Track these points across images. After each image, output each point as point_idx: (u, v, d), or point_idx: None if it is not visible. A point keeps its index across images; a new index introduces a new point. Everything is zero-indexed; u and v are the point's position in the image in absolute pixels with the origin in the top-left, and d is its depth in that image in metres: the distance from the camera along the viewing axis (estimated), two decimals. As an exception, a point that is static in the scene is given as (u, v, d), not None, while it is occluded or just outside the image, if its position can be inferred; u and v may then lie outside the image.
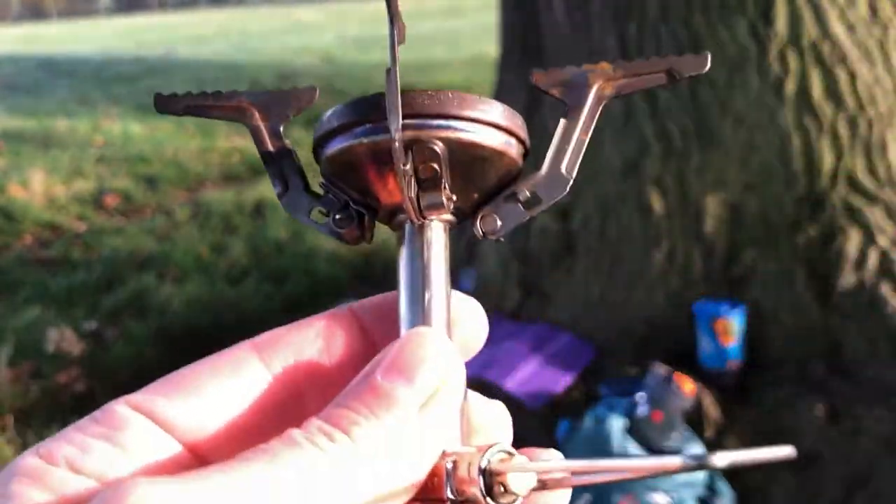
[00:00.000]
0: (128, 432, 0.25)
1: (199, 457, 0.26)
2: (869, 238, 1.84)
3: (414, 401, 0.25)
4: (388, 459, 0.24)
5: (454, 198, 0.30)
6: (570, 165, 0.31)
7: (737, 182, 1.94)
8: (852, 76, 1.89)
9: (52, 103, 7.18)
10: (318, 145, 0.31)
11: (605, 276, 2.05)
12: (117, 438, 0.25)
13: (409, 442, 0.25)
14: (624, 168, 2.02)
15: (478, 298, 0.32)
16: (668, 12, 1.98)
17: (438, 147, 0.28)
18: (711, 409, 1.73)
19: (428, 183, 0.29)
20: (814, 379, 1.75)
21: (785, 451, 0.23)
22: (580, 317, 2.05)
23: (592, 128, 0.31)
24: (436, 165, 0.28)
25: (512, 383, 1.84)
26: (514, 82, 2.47)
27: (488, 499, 0.26)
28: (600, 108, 0.31)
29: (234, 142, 5.03)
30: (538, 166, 0.31)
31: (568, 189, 0.31)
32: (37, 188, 4.28)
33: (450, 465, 0.26)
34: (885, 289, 1.77)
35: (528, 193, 0.31)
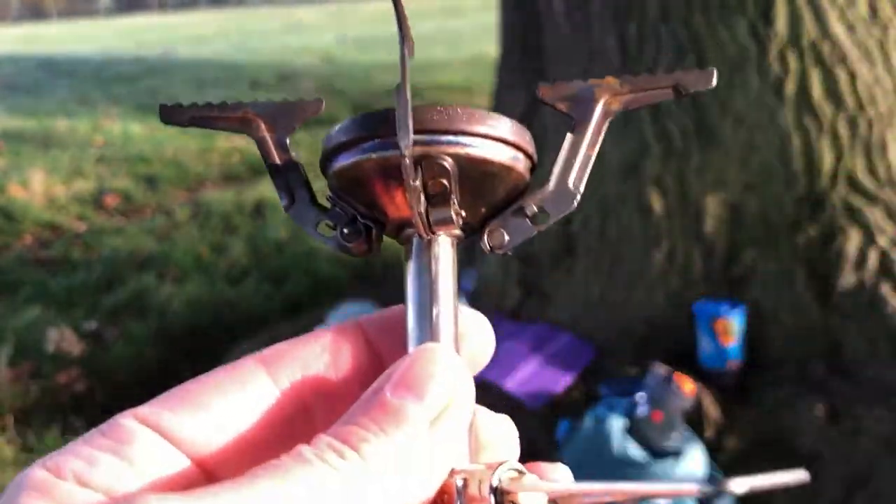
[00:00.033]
0: (135, 446, 0.25)
1: (206, 471, 0.26)
2: (869, 238, 1.84)
3: (424, 417, 0.25)
4: (398, 476, 0.24)
5: (463, 213, 0.30)
6: (577, 180, 0.31)
7: (737, 182, 1.94)
8: (852, 76, 1.89)
9: (52, 103, 7.17)
10: (326, 159, 0.31)
11: (605, 276, 2.05)
12: (125, 452, 0.25)
13: (419, 458, 0.25)
14: (624, 168, 2.02)
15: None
16: (668, 12, 1.98)
17: (448, 163, 0.28)
18: (711, 409, 1.73)
19: (437, 198, 0.29)
20: (814, 379, 1.75)
21: (798, 475, 0.23)
22: (580, 317, 2.05)
23: (599, 143, 0.31)
24: (445, 181, 0.28)
25: (512, 383, 1.84)
26: (514, 82, 2.47)
27: None
28: (606, 123, 0.31)
29: (234, 142, 5.03)
30: (545, 179, 0.31)
31: (576, 204, 0.31)
32: (37, 188, 4.28)
33: (460, 483, 0.26)
34: (885, 289, 1.77)
35: (535, 208, 0.31)
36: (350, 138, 0.29)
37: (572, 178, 0.31)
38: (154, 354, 2.48)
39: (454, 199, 0.29)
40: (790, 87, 1.90)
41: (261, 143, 0.32)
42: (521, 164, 0.30)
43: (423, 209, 0.28)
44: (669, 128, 1.97)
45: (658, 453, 1.57)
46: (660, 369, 1.75)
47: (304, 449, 0.24)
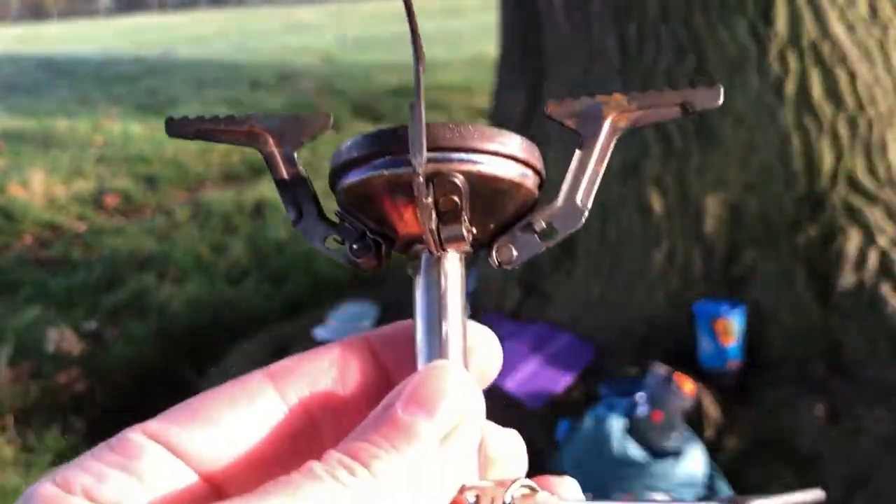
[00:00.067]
0: (143, 461, 0.25)
1: (214, 486, 0.27)
2: (869, 238, 1.84)
3: (434, 434, 0.26)
4: (409, 493, 0.25)
5: (474, 230, 0.30)
6: (585, 196, 0.31)
7: (737, 182, 1.94)
8: (852, 76, 1.89)
9: (52, 103, 7.17)
10: (336, 175, 0.31)
11: (605, 276, 2.05)
12: (133, 467, 0.25)
13: (430, 476, 0.25)
14: (624, 168, 2.02)
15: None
16: (668, 12, 1.98)
17: (459, 180, 0.28)
18: (711, 409, 1.73)
19: (448, 215, 0.29)
20: (814, 379, 1.75)
21: (815, 495, 0.23)
22: (580, 317, 2.05)
23: (607, 159, 0.31)
24: (456, 198, 0.28)
25: (512, 383, 1.84)
26: (514, 82, 2.47)
27: None
28: (614, 140, 0.32)
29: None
30: (553, 195, 0.32)
31: (583, 220, 0.31)
32: (37, 188, 4.28)
33: (472, 500, 0.26)
34: (885, 289, 1.77)
35: (543, 224, 0.31)
36: (361, 155, 0.29)
37: (580, 194, 0.31)
38: (154, 354, 2.48)
39: (465, 216, 0.29)
40: (790, 87, 1.90)
41: (269, 158, 0.32)
42: (530, 180, 0.30)
43: (434, 226, 0.28)
44: (669, 128, 1.97)
45: (658, 453, 1.57)
46: (660, 369, 1.75)
47: (314, 465, 0.24)
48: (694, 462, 1.56)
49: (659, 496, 1.49)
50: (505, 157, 0.29)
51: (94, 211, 4.12)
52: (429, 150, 0.27)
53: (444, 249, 0.30)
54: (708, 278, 1.95)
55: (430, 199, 0.28)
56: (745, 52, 1.91)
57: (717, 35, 1.94)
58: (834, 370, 1.76)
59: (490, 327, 0.30)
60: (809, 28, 1.90)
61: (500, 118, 2.55)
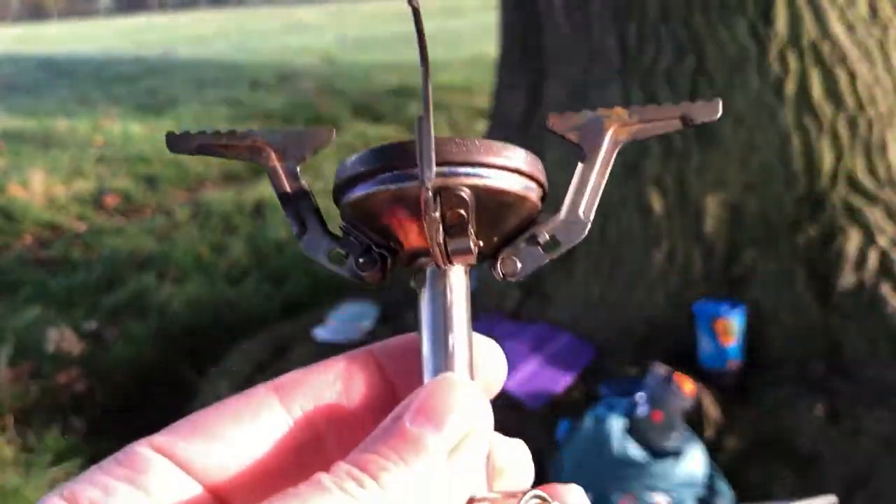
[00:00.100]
0: (150, 474, 0.26)
1: (220, 499, 0.27)
2: (869, 238, 1.84)
3: (442, 447, 0.26)
4: None
5: (481, 243, 0.30)
6: (587, 209, 0.32)
7: (737, 182, 1.94)
8: (852, 76, 1.89)
9: (52, 103, 7.17)
10: (341, 189, 0.31)
11: (605, 276, 2.05)
12: (140, 481, 0.25)
13: (438, 488, 0.25)
14: (624, 168, 2.02)
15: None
16: (668, 12, 1.98)
17: (466, 194, 0.29)
18: (711, 409, 1.73)
19: (455, 229, 0.29)
20: (814, 379, 1.75)
21: (829, 500, 0.24)
22: (580, 317, 2.05)
23: (608, 172, 0.32)
24: (463, 212, 0.29)
25: (512, 383, 1.84)
26: (514, 82, 2.47)
27: None
28: (615, 153, 0.32)
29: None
30: (556, 208, 0.32)
31: (586, 233, 0.32)
32: (37, 188, 4.28)
33: None
34: (885, 289, 1.77)
35: (547, 236, 0.31)
36: (368, 169, 0.29)
37: (583, 207, 0.32)
38: (154, 354, 2.48)
39: (471, 230, 0.29)
40: (790, 87, 1.90)
41: (271, 173, 0.32)
42: (534, 193, 0.31)
43: (441, 239, 0.29)
44: (669, 128, 1.97)
45: (658, 453, 1.57)
46: (660, 369, 1.75)
47: (322, 477, 0.24)
48: (694, 462, 1.56)
49: (659, 497, 1.49)
50: (510, 170, 0.30)
51: (94, 211, 4.12)
52: (437, 164, 0.28)
53: (450, 263, 0.30)
54: (708, 278, 1.95)
55: (437, 213, 0.28)
56: (745, 52, 1.91)
57: (717, 35, 1.94)
58: (834, 370, 1.76)
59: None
60: (809, 28, 1.90)
61: (500, 118, 2.55)
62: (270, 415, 0.28)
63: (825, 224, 1.87)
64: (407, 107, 5.94)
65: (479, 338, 0.31)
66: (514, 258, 0.31)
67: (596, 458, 1.58)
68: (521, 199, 0.30)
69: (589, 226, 0.32)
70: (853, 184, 1.89)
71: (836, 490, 1.50)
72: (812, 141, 1.89)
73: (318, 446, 0.29)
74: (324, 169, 3.72)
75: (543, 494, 0.27)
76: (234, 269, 3.16)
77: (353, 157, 0.30)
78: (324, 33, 12.83)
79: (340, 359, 0.30)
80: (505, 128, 2.47)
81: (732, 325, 1.81)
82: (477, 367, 0.30)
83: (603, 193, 0.32)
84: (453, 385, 0.27)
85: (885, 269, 1.80)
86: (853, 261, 1.82)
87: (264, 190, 3.95)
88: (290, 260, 3.11)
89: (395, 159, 0.29)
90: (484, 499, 0.27)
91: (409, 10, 0.27)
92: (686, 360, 1.84)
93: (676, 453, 1.57)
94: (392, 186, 0.29)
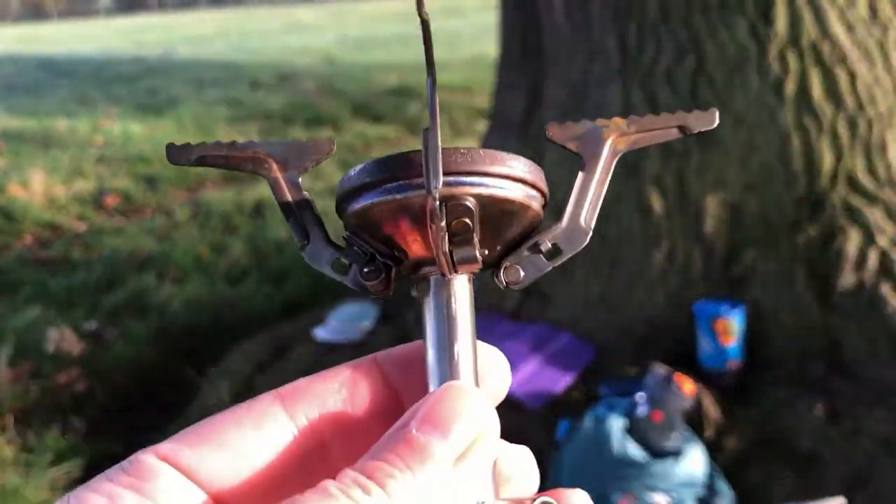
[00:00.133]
0: (156, 483, 0.26)
1: None
2: (869, 238, 1.84)
3: (449, 455, 0.26)
4: None
5: (486, 252, 0.31)
6: (588, 217, 0.32)
7: (737, 182, 1.94)
8: (852, 76, 1.89)
9: (52, 103, 7.17)
10: (345, 200, 0.31)
11: (605, 276, 2.05)
12: (146, 489, 0.26)
13: (443, 496, 0.26)
14: (623, 168, 2.02)
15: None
16: (668, 12, 1.98)
17: (471, 203, 0.29)
18: (711, 409, 1.73)
19: (459, 238, 0.29)
20: (814, 379, 1.75)
21: (838, 502, 0.24)
22: (580, 317, 2.05)
23: (608, 181, 0.32)
24: (468, 221, 0.29)
25: (512, 383, 1.84)
26: (514, 82, 2.47)
27: None
28: (615, 162, 0.33)
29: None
30: (558, 216, 0.32)
31: (587, 240, 0.32)
32: (37, 188, 4.28)
33: None
34: (885, 289, 1.77)
35: (549, 245, 0.32)
36: (373, 180, 0.30)
37: (584, 215, 0.32)
38: (154, 354, 2.48)
39: (476, 239, 0.30)
40: (790, 87, 1.90)
41: (274, 184, 0.32)
42: (536, 202, 0.31)
43: (447, 249, 0.29)
44: (669, 128, 1.97)
45: (658, 453, 1.57)
46: (660, 369, 1.75)
47: (329, 484, 0.24)
48: (694, 462, 1.56)
49: (659, 497, 1.49)
50: (514, 179, 0.30)
51: (94, 211, 4.12)
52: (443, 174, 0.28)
53: (456, 271, 0.30)
54: (708, 278, 1.95)
55: (443, 223, 0.28)
56: (745, 52, 1.91)
57: (717, 35, 1.94)
58: (834, 370, 1.76)
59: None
60: (809, 28, 1.90)
61: (500, 118, 2.55)
62: (275, 423, 0.28)
63: (825, 224, 1.87)
64: (407, 107, 5.94)
65: (483, 346, 0.31)
66: (517, 266, 0.32)
67: (596, 458, 1.58)
68: (524, 207, 0.31)
69: (591, 234, 0.32)
70: (853, 184, 1.89)
71: (836, 490, 1.50)
72: (812, 141, 1.89)
73: (323, 454, 0.29)
74: (324, 169, 3.72)
75: (552, 501, 0.27)
76: (234, 269, 3.16)
77: (358, 168, 0.30)
78: (324, 33, 12.83)
79: (345, 367, 0.30)
80: (505, 128, 2.46)
81: (732, 325, 1.81)
82: (481, 375, 0.30)
83: (603, 197, 0.32)
84: (460, 393, 0.27)
85: (885, 269, 1.80)
86: (853, 261, 1.82)
87: (264, 190, 3.95)
88: (290, 260, 3.11)
89: (400, 170, 0.29)
90: None
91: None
92: (686, 360, 1.84)
93: (676, 453, 1.57)
94: (398, 196, 0.29)
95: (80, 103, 7.08)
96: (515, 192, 0.30)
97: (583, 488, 0.29)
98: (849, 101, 1.89)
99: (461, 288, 0.31)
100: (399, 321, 2.26)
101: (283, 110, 6.23)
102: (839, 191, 1.88)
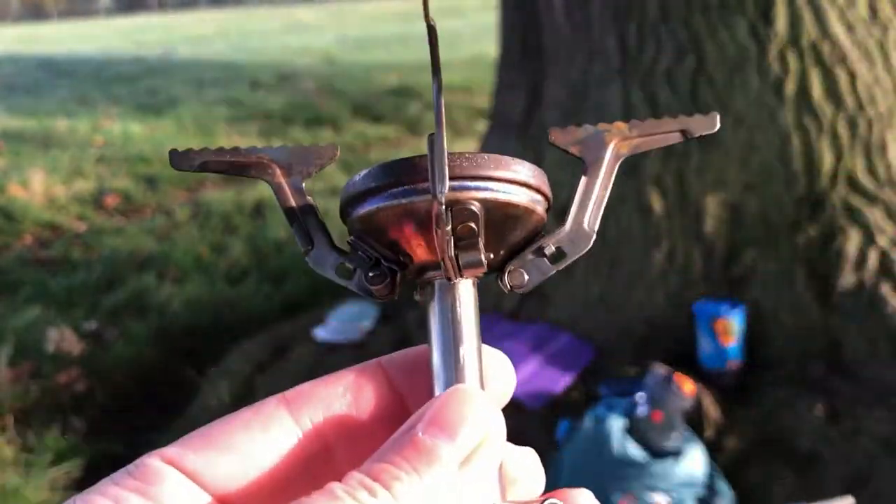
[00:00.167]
0: (162, 486, 0.26)
1: None
2: (869, 238, 1.84)
3: (455, 457, 0.26)
4: None
5: (491, 256, 0.31)
6: (592, 221, 0.32)
7: (737, 182, 1.94)
8: (852, 76, 1.89)
9: (52, 103, 7.17)
10: (350, 204, 0.31)
11: (604, 276, 2.05)
12: (152, 492, 0.26)
13: (449, 498, 0.26)
14: (623, 168, 2.01)
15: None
16: (668, 12, 1.98)
17: (476, 207, 0.29)
18: (711, 409, 1.73)
19: (465, 242, 0.29)
20: (814, 379, 1.75)
21: (846, 501, 0.24)
22: (580, 317, 2.05)
23: (611, 184, 0.33)
24: (473, 225, 0.29)
25: (512, 383, 1.84)
26: (514, 82, 2.47)
27: None
28: (617, 166, 0.33)
29: (234, 142, 5.03)
30: (561, 220, 0.32)
31: (591, 244, 0.32)
32: (37, 188, 4.28)
33: None
34: (885, 289, 1.77)
35: (553, 248, 0.32)
36: (378, 184, 0.30)
37: (587, 219, 0.32)
38: (154, 354, 2.48)
39: (481, 243, 0.30)
40: (790, 87, 1.90)
41: (277, 189, 0.32)
42: (540, 206, 0.31)
43: (452, 253, 0.29)
44: (669, 128, 1.97)
45: (658, 453, 1.57)
46: (660, 369, 1.75)
47: (334, 486, 0.24)
48: (694, 462, 1.56)
49: (659, 497, 1.49)
50: (518, 184, 0.30)
51: (94, 211, 4.12)
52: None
53: (461, 275, 0.30)
54: (708, 278, 1.95)
55: (449, 227, 0.28)
56: (745, 52, 1.91)
57: (717, 35, 1.94)
58: (834, 370, 1.76)
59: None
60: (809, 28, 1.90)
61: (500, 118, 2.55)
62: (280, 427, 0.28)
63: (825, 224, 1.87)
64: (407, 107, 5.94)
65: (487, 349, 0.31)
66: (521, 270, 0.32)
67: (596, 459, 1.58)
68: (528, 211, 0.31)
69: (594, 237, 0.32)
70: (853, 184, 1.89)
71: (837, 490, 1.50)
72: (812, 141, 1.89)
73: (328, 458, 0.29)
74: (325, 170, 3.71)
75: (558, 502, 0.28)
76: (234, 269, 3.16)
77: (362, 173, 0.30)
78: (324, 33, 12.83)
79: (349, 371, 0.30)
80: (505, 128, 2.46)
81: (732, 325, 1.81)
82: (486, 379, 0.30)
83: (606, 200, 0.32)
84: (466, 396, 0.27)
85: (885, 269, 1.80)
86: (853, 261, 1.82)
87: (264, 190, 3.95)
88: (290, 260, 3.11)
89: (405, 174, 0.29)
90: None
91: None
92: (686, 360, 1.84)
93: (676, 453, 1.57)
94: (403, 201, 0.29)
95: (80, 103, 7.08)
96: (520, 197, 0.30)
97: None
98: (849, 101, 1.89)
99: (466, 292, 0.31)
100: (399, 321, 2.26)
101: (283, 110, 6.23)
102: (839, 191, 1.88)
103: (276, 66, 8.57)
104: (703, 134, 0.33)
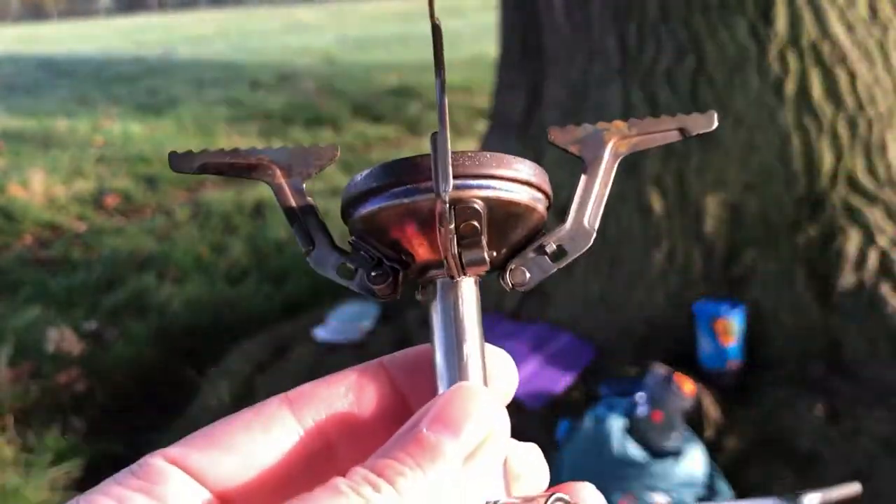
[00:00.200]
0: (165, 486, 0.26)
1: None
2: (869, 238, 1.84)
3: (459, 454, 0.26)
4: None
5: (494, 254, 0.31)
6: (592, 218, 0.33)
7: (737, 182, 1.94)
8: (852, 76, 1.89)
9: (52, 103, 7.18)
10: (351, 205, 0.31)
11: (604, 275, 2.05)
12: (155, 492, 0.26)
13: (453, 494, 0.26)
14: (623, 168, 2.02)
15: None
16: (668, 12, 1.98)
17: (479, 205, 0.29)
18: (711, 409, 1.73)
19: (468, 240, 0.30)
20: (814, 379, 1.75)
21: (853, 488, 0.24)
22: (580, 317, 2.05)
23: (611, 182, 0.33)
24: (476, 223, 0.29)
25: (512, 383, 1.84)
26: (514, 82, 2.47)
27: None
28: (616, 164, 0.33)
29: (234, 142, 5.03)
30: (562, 218, 0.32)
31: (592, 241, 0.32)
32: (37, 188, 4.28)
33: None
34: (885, 289, 1.77)
35: (554, 246, 0.32)
36: (381, 184, 0.30)
37: (587, 216, 0.32)
38: (154, 354, 2.48)
39: (484, 241, 0.30)
40: (790, 87, 1.90)
41: (277, 190, 0.32)
42: (541, 204, 0.32)
43: (456, 251, 0.29)
44: (669, 128, 1.97)
45: (658, 453, 1.57)
46: (660, 369, 1.75)
47: (339, 481, 0.25)
48: (694, 462, 1.56)
49: (659, 497, 1.49)
50: (520, 182, 0.30)
51: (94, 211, 4.12)
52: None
53: (464, 274, 0.30)
54: (708, 278, 1.95)
55: (452, 225, 0.28)
56: (745, 52, 1.91)
57: (717, 35, 1.94)
58: (834, 370, 1.76)
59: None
60: (809, 28, 1.90)
61: (500, 118, 2.55)
62: (282, 426, 0.28)
63: (825, 224, 1.87)
64: (407, 107, 5.94)
65: (490, 348, 0.31)
66: (523, 268, 0.32)
67: (596, 458, 1.58)
68: (529, 209, 0.31)
69: (595, 235, 0.32)
70: (853, 184, 1.89)
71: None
72: (812, 141, 1.89)
73: (330, 456, 0.29)
74: (325, 170, 3.71)
75: (566, 497, 0.28)
76: (234, 269, 3.16)
77: (364, 173, 0.30)
78: (324, 33, 12.83)
79: (352, 371, 0.30)
80: (505, 128, 2.46)
81: (732, 325, 1.81)
82: (489, 377, 0.30)
83: (606, 198, 0.32)
84: (470, 393, 0.28)
85: (885, 269, 1.80)
86: (853, 261, 1.82)
87: (264, 190, 3.93)
88: (290, 260, 3.11)
89: (407, 174, 0.29)
90: (509, 503, 0.27)
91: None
92: (686, 360, 1.84)
93: (676, 453, 1.57)
94: (405, 200, 0.29)
95: (80, 103, 7.08)
96: (522, 195, 0.30)
97: None
98: (849, 101, 1.89)
99: (468, 290, 0.31)
100: (399, 321, 2.26)
101: (283, 110, 6.23)
102: (839, 191, 1.88)
103: (276, 66, 8.58)
104: (701, 132, 0.33)
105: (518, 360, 2.00)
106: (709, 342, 1.83)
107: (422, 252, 0.31)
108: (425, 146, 0.29)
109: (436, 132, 0.28)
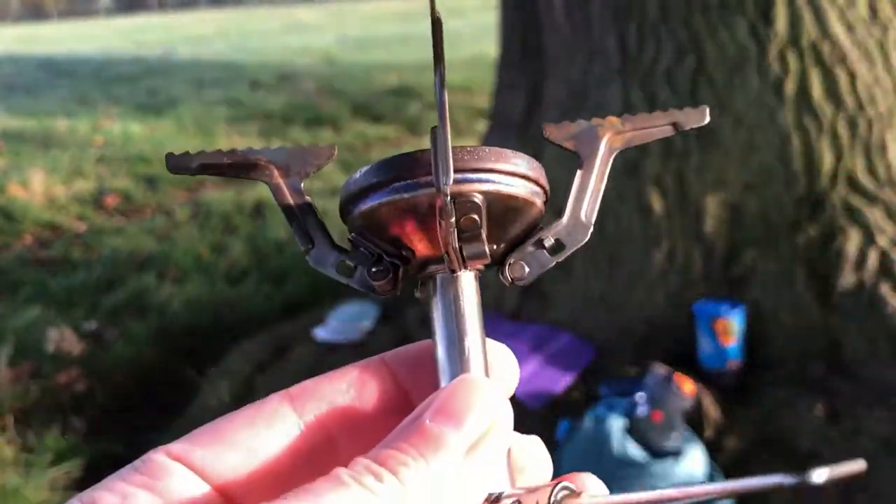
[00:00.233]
0: (168, 481, 0.26)
1: (235, 503, 0.28)
2: (869, 238, 1.84)
3: (462, 444, 0.26)
4: (433, 501, 0.25)
5: (495, 247, 0.31)
6: (588, 212, 0.33)
7: (737, 182, 1.94)
8: (852, 76, 1.89)
9: (52, 103, 7.18)
10: (351, 202, 0.31)
11: (604, 275, 2.05)
12: (159, 488, 0.26)
13: (455, 484, 0.26)
14: (623, 168, 2.02)
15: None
16: (668, 12, 1.98)
17: (479, 199, 0.29)
18: (711, 409, 1.73)
19: (468, 234, 0.30)
20: (814, 379, 1.75)
21: (858, 465, 0.25)
22: (580, 317, 2.05)
23: (606, 177, 0.33)
24: (476, 217, 0.29)
25: (512, 383, 1.84)
26: (514, 82, 2.47)
27: None
28: (611, 159, 0.33)
29: (233, 142, 5.03)
30: (559, 213, 0.33)
31: (589, 235, 0.33)
32: (37, 188, 4.28)
33: None
34: (885, 289, 1.77)
35: (552, 240, 0.32)
36: (381, 180, 0.30)
37: (584, 211, 0.33)
38: (154, 354, 2.48)
39: (484, 234, 0.30)
40: (790, 87, 1.90)
41: (276, 190, 0.32)
42: (539, 198, 0.32)
43: (456, 245, 0.29)
44: (669, 128, 1.97)
45: (658, 453, 1.57)
46: (660, 369, 1.75)
47: (341, 471, 0.25)
48: (694, 462, 1.56)
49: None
50: (519, 176, 0.31)
51: (94, 211, 4.12)
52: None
53: (465, 268, 0.31)
54: (708, 278, 1.95)
55: (453, 219, 0.28)
56: (745, 52, 1.91)
57: (717, 35, 1.94)
58: (834, 370, 1.76)
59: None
60: (809, 28, 1.90)
61: (500, 118, 2.55)
62: (284, 422, 0.29)
63: (825, 224, 1.87)
64: (407, 107, 5.94)
65: (491, 342, 0.31)
66: (522, 262, 0.32)
67: (596, 458, 1.58)
68: (528, 203, 0.31)
69: (592, 229, 0.33)
70: (853, 184, 1.89)
71: (836, 490, 1.50)
72: (812, 141, 1.89)
73: (332, 450, 0.29)
74: (324, 170, 3.72)
75: (571, 485, 0.28)
76: (234, 269, 3.16)
77: (363, 170, 0.30)
78: (324, 33, 12.83)
79: (353, 367, 0.30)
80: (505, 128, 2.46)
81: (732, 325, 1.81)
82: (491, 371, 0.30)
83: (602, 193, 0.33)
84: (473, 385, 0.28)
85: (885, 269, 1.80)
86: (853, 261, 1.82)
87: (264, 190, 3.90)
88: (290, 260, 3.11)
89: (406, 169, 0.29)
90: (509, 495, 0.27)
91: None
92: (686, 360, 1.84)
93: (676, 453, 1.57)
94: (405, 195, 0.29)
95: (80, 103, 7.08)
96: (520, 189, 0.31)
97: None
98: (849, 101, 1.89)
99: (468, 284, 0.31)
100: (399, 321, 2.26)
101: (283, 110, 6.23)
102: (839, 191, 1.88)
103: (276, 66, 8.58)
104: (694, 126, 0.34)
105: (518, 360, 2.00)
106: (709, 342, 1.83)
107: (422, 247, 0.31)
108: (425, 146, 0.29)
109: (435, 126, 0.28)
